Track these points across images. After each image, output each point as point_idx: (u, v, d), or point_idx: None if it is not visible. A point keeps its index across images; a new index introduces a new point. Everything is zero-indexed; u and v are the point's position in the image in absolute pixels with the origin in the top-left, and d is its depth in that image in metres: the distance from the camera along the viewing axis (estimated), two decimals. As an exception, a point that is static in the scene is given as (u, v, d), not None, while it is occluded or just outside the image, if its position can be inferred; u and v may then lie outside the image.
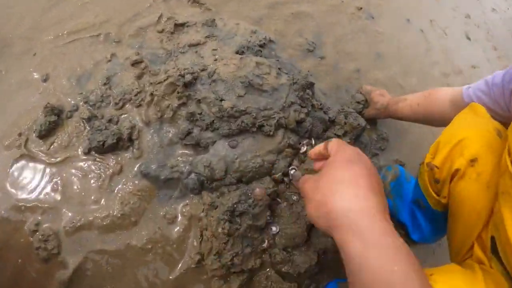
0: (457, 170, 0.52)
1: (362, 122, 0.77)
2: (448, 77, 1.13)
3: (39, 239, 0.68)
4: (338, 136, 0.76)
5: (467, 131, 0.53)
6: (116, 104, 0.72)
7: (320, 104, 0.77)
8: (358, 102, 0.83)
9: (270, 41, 0.84)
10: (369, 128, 0.83)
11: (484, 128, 0.53)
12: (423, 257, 0.86)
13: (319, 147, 0.49)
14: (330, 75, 0.88)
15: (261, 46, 0.80)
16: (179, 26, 0.81)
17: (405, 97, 0.78)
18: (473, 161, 0.51)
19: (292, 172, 0.69)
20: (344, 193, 0.37)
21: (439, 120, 0.72)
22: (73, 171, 0.71)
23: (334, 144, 0.46)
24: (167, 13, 0.84)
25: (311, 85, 0.74)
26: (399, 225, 0.82)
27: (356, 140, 0.78)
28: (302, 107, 0.72)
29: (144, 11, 0.85)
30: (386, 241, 0.33)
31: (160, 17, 0.83)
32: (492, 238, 0.48)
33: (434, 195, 0.60)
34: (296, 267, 0.67)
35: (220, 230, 0.62)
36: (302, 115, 0.71)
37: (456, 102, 0.68)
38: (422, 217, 0.74)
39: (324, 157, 0.48)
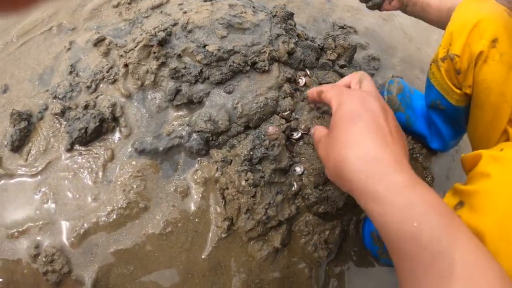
0: (480, 53, 0.47)
1: (352, 41, 0.68)
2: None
3: (44, 262, 0.54)
4: (333, 62, 0.67)
5: (480, 14, 0.49)
6: (88, 88, 0.60)
7: (305, 34, 0.67)
8: (341, 27, 0.74)
9: (236, -12, 0.73)
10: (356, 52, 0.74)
11: (497, 10, 0.48)
12: (445, 166, 0.78)
13: (313, 93, 0.46)
14: (303, 9, 0.79)
15: (228, -9, 0.69)
16: (135, -4, 0.70)
17: None
18: (494, 42, 0.46)
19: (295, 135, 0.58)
20: (352, 159, 0.34)
21: None
22: (60, 174, 0.58)
23: (331, 96, 0.41)
24: (119, -13, 0.72)
25: (291, 16, 0.65)
26: (416, 137, 0.73)
27: (350, 62, 0.69)
28: (289, 38, 0.62)
29: (94, -8, 0.73)
30: (401, 199, 0.30)
31: (112, -7, 0.72)
32: None
33: (456, 90, 0.54)
34: (333, 203, 0.56)
35: (243, 182, 0.51)
36: (292, 45, 0.61)
37: None
38: (440, 120, 0.66)
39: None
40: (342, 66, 0.67)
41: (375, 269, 0.64)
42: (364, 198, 0.33)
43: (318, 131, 0.43)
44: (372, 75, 0.74)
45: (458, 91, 0.54)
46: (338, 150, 0.36)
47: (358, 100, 0.38)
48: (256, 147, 0.52)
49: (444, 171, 0.75)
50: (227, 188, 0.53)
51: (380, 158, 0.33)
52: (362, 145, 0.34)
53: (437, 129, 0.68)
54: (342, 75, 0.67)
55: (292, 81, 0.61)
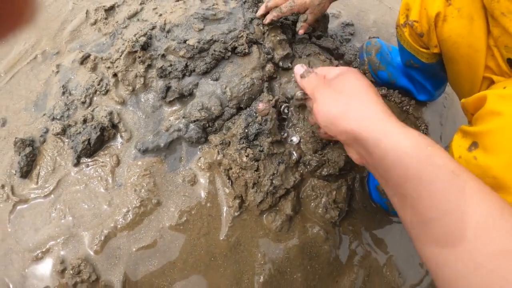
0: (437, 14, 0.49)
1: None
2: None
3: (72, 274, 0.59)
4: (309, 35, 0.72)
5: None
6: (83, 103, 0.65)
7: (278, 14, 0.72)
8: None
9: (203, -15, 0.79)
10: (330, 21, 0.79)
11: None
12: (437, 113, 0.83)
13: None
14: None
15: (196, -12, 0.75)
16: (110, 10, 0.75)
17: None
18: (448, 0, 0.48)
19: (285, 110, 0.62)
20: (367, 100, 0.36)
21: None
22: (72, 188, 0.63)
23: (305, 86, 0.44)
24: (92, 6, 0.77)
25: (260, -1, 0.70)
26: (403, 91, 0.78)
27: (325, 31, 0.74)
28: (262, 20, 0.67)
29: (69, 15, 0.78)
30: (406, 143, 0.31)
31: (87, 12, 0.77)
32: (509, 60, 0.45)
33: (424, 50, 0.57)
34: (334, 164, 0.61)
35: (245, 158, 0.55)
36: (266, 27, 0.66)
37: None
38: (420, 76, 0.71)
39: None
40: (318, 37, 0.72)
41: (387, 222, 0.68)
42: (369, 142, 0.34)
43: (313, 75, 0.45)
44: (348, 40, 0.79)
45: (426, 50, 0.57)
46: (350, 96, 0.38)
47: (357, 69, 0.42)
48: (250, 124, 0.57)
49: (437, 119, 0.79)
50: (231, 168, 0.57)
51: (379, 106, 0.36)
52: (371, 98, 0.37)
53: (419, 83, 0.73)
54: (320, 46, 0.72)
55: (274, 62, 0.66)
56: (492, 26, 0.45)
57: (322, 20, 0.72)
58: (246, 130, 0.57)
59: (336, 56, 0.74)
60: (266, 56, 0.64)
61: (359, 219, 0.65)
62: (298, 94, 0.47)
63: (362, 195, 0.67)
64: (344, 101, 0.37)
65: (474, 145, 0.39)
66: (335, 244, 0.63)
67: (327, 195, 0.62)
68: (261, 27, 0.66)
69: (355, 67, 0.78)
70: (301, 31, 0.63)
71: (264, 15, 0.64)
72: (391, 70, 0.76)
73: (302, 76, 0.46)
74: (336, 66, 0.70)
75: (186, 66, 0.60)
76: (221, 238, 0.59)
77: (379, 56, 0.76)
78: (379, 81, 0.80)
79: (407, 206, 0.30)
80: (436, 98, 0.80)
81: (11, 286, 0.62)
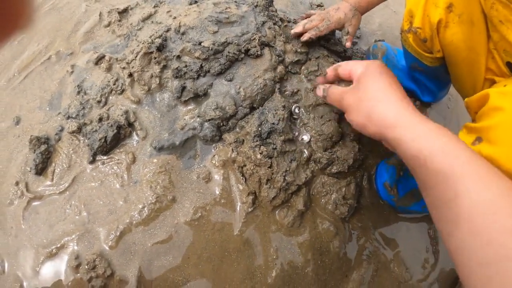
0: (439, 21, 0.53)
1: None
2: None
3: (86, 270, 0.61)
4: (318, 38, 0.76)
5: None
6: (99, 102, 0.68)
7: (287, 17, 0.77)
8: (318, 5, 0.84)
9: (214, -11, 0.83)
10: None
11: None
12: (441, 114, 0.87)
13: (329, 72, 0.53)
14: (280, -4, 0.88)
15: (208, -8, 0.79)
16: (123, 13, 0.78)
17: None
18: (449, 7, 0.52)
19: (296, 110, 0.66)
20: (386, 101, 0.41)
21: None
22: (88, 185, 0.65)
23: (351, 65, 0.49)
24: (105, 8, 0.81)
25: (271, 3, 0.74)
26: (408, 93, 0.82)
27: (333, 35, 0.78)
28: (273, 24, 0.71)
29: (82, 17, 0.81)
30: (433, 132, 0.36)
31: (100, 14, 0.80)
32: (509, 64, 0.49)
33: (427, 54, 0.61)
34: (343, 162, 0.64)
35: (259, 156, 0.58)
36: (277, 29, 0.70)
37: None
38: (424, 78, 0.75)
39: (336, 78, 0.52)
40: (327, 40, 0.76)
41: (395, 219, 0.71)
42: (401, 133, 0.38)
43: (333, 91, 0.50)
44: (355, 43, 0.84)
45: (429, 55, 0.61)
46: (370, 101, 0.43)
47: (379, 64, 0.47)
48: (263, 123, 0.61)
49: (440, 119, 0.84)
50: (245, 165, 0.60)
51: (406, 99, 0.42)
52: (391, 89, 0.43)
53: (424, 85, 0.77)
54: (328, 49, 0.76)
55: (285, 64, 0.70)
56: (492, 31, 0.49)
57: (330, 24, 0.76)
58: (260, 129, 0.60)
59: (343, 59, 0.78)
60: (277, 58, 0.68)
61: (367, 216, 0.69)
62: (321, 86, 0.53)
63: (370, 192, 0.70)
64: (368, 108, 0.43)
65: (478, 139, 0.42)
66: (345, 239, 0.66)
67: (337, 191, 0.65)
68: (273, 31, 0.69)
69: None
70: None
71: (299, 35, 0.69)
72: (396, 72, 0.80)
73: (324, 97, 0.52)
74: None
75: (201, 67, 0.64)
76: (235, 234, 0.62)
77: (385, 59, 0.80)
78: None
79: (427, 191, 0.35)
80: (440, 99, 0.84)
81: (24, 281, 0.64)
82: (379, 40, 0.81)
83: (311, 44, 0.74)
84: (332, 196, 0.65)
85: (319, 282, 0.63)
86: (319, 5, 0.82)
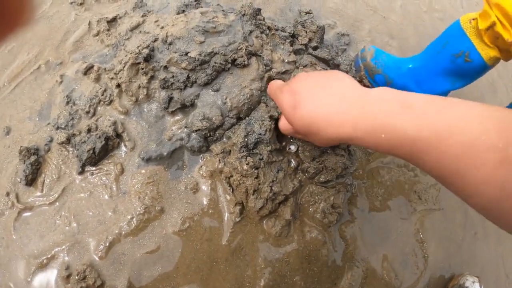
0: None
1: (320, 23, 0.78)
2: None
3: (77, 280, 0.63)
4: (305, 46, 0.77)
5: None
6: (88, 113, 0.69)
7: (275, 26, 0.78)
8: (307, 13, 0.85)
9: (203, -4, 0.84)
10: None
11: None
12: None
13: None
14: (268, 4, 0.89)
15: (196, 1, 0.80)
16: (112, 22, 0.80)
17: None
18: None
19: (292, 147, 0.68)
20: (321, 127, 0.42)
21: None
22: (77, 196, 0.67)
23: (269, 93, 0.54)
24: (95, 17, 0.82)
25: (258, 11, 0.75)
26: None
27: (321, 43, 0.79)
28: (261, 32, 0.73)
29: (72, 26, 0.83)
30: (369, 115, 0.37)
31: (90, 24, 0.82)
32: None
33: (490, 47, 0.62)
34: (331, 171, 0.66)
35: (245, 166, 0.60)
36: (264, 37, 0.71)
37: None
38: (451, 73, 0.72)
39: None
40: (314, 48, 0.78)
41: (383, 226, 0.73)
42: (353, 133, 0.39)
43: (282, 127, 0.53)
44: (344, 50, 0.85)
45: (492, 49, 0.61)
46: (314, 133, 0.43)
47: (288, 91, 0.48)
48: (249, 133, 0.62)
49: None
50: (232, 176, 0.62)
51: (336, 108, 0.41)
52: (321, 114, 0.42)
53: (436, 82, 0.74)
54: (316, 57, 0.78)
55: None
56: None
57: (318, 31, 0.78)
58: (246, 139, 0.62)
59: (332, 67, 0.79)
60: (265, 67, 0.69)
61: (356, 223, 0.70)
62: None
63: (358, 200, 0.71)
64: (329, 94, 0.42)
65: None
66: (333, 247, 0.67)
67: (325, 200, 0.66)
68: (260, 40, 0.71)
69: (352, 76, 0.84)
70: None
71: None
72: (386, 71, 0.79)
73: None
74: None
75: (188, 77, 0.65)
76: (223, 243, 0.64)
77: (374, 60, 0.79)
78: (376, 86, 0.83)
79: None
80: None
81: (16, 292, 0.66)
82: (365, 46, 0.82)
83: (298, 52, 0.75)
84: (321, 205, 0.66)
85: (308, 291, 0.65)
86: (308, 12, 0.83)
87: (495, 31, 0.59)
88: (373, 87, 0.82)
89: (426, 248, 0.73)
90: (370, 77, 0.83)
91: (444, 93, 0.77)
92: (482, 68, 0.66)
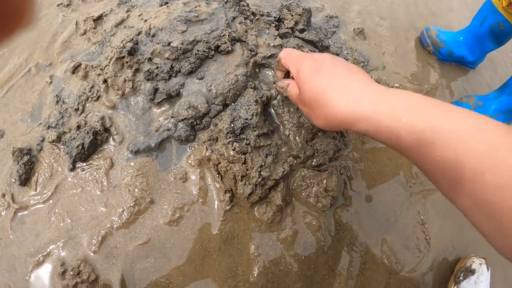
0: None
1: (305, 5, 0.79)
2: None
3: (72, 275, 0.64)
4: (292, 29, 0.78)
5: None
6: (77, 110, 0.71)
7: (260, 11, 0.78)
8: (294, -3, 0.85)
9: (187, -11, 0.86)
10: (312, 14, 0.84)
11: None
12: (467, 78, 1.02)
13: (277, 66, 0.56)
14: (256, -9, 0.90)
15: (180, -8, 0.82)
16: (98, 20, 0.82)
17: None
18: None
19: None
20: (335, 97, 0.40)
21: None
22: (70, 192, 0.69)
23: (288, 63, 0.51)
24: (81, 17, 0.85)
25: (242, -3, 0.76)
26: (456, 62, 1.04)
27: (308, 25, 0.79)
28: (244, 18, 0.73)
29: (60, 27, 0.85)
30: (392, 100, 0.36)
31: (77, 23, 0.84)
32: None
33: None
34: (323, 154, 0.66)
35: (232, 152, 0.60)
36: (249, 23, 0.72)
37: None
38: (491, 38, 0.94)
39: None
40: (301, 31, 0.78)
41: (381, 208, 0.72)
42: (365, 123, 0.38)
43: (291, 92, 0.51)
44: (333, 32, 0.84)
45: None
46: (322, 104, 0.41)
47: (311, 57, 0.47)
48: (235, 119, 0.62)
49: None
50: (219, 163, 0.62)
51: (357, 82, 0.40)
52: (337, 80, 0.41)
53: (483, 46, 0.97)
54: (303, 39, 0.78)
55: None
56: None
57: (304, 14, 0.78)
58: (232, 125, 0.62)
59: (320, 49, 0.79)
60: (250, 52, 0.70)
61: (353, 207, 0.69)
62: (279, 83, 0.53)
63: (354, 182, 0.71)
64: (323, 106, 0.41)
65: None
66: (329, 232, 0.67)
67: (318, 184, 0.66)
68: (244, 26, 0.71)
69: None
70: None
71: None
72: (449, 45, 1.00)
73: (281, 86, 0.54)
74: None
75: (172, 67, 0.66)
76: (215, 233, 0.64)
77: (438, 37, 1.00)
78: (441, 57, 1.03)
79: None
80: (479, 63, 1.06)
81: (15, 291, 0.68)
82: (358, 28, 0.81)
83: (285, 36, 0.75)
84: (313, 188, 0.66)
85: (304, 278, 0.65)
86: (294, -4, 0.83)
87: None
88: (437, 59, 1.03)
89: (428, 230, 0.72)
90: (436, 51, 1.02)
91: (490, 51, 1.00)
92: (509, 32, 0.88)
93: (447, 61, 1.03)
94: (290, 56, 0.51)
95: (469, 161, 0.30)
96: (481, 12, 0.93)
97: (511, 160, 0.28)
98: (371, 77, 0.47)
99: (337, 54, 0.82)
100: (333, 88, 0.41)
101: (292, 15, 0.78)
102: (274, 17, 0.77)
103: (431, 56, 1.01)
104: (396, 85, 0.83)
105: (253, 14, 0.75)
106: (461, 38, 1.00)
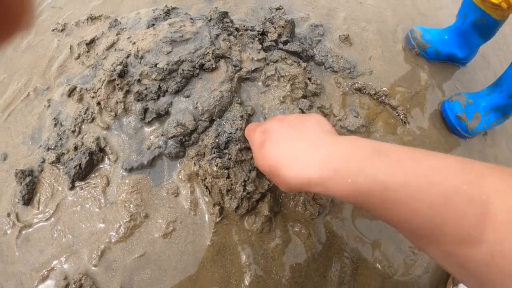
0: None
1: (288, 17, 0.83)
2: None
3: (74, 289, 0.70)
4: (276, 41, 0.82)
5: None
6: (74, 132, 0.78)
7: (244, 26, 0.83)
8: (277, 9, 0.90)
9: (173, 8, 0.92)
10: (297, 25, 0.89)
11: None
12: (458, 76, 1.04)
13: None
14: (240, 5, 0.96)
15: (166, 13, 0.88)
16: (91, 43, 0.89)
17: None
18: None
19: None
20: (284, 166, 0.40)
21: None
22: (70, 210, 0.75)
23: (245, 133, 0.55)
24: (75, 41, 0.92)
25: (225, 14, 0.81)
26: (445, 60, 1.06)
27: (293, 37, 0.84)
28: (228, 35, 0.79)
29: (55, 52, 0.93)
30: (336, 159, 0.37)
31: (71, 48, 0.91)
32: None
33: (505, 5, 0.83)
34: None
35: (215, 168, 0.65)
36: (232, 39, 0.77)
37: None
38: (476, 33, 0.96)
39: None
40: (285, 42, 0.82)
41: (370, 216, 0.75)
42: (324, 183, 0.36)
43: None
44: (319, 41, 0.89)
45: (498, 11, 0.84)
46: (275, 174, 0.42)
47: (260, 129, 0.49)
48: (220, 134, 0.68)
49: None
50: (205, 178, 0.68)
51: (312, 141, 0.41)
52: (286, 153, 0.41)
53: (469, 41, 0.98)
54: (287, 51, 0.82)
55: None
56: None
57: (287, 25, 0.83)
58: (217, 140, 0.67)
59: (305, 59, 0.84)
60: (234, 68, 0.75)
61: (342, 213, 0.73)
62: None
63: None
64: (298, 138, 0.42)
65: None
66: (319, 240, 0.71)
67: (306, 193, 0.70)
68: (227, 42, 0.77)
69: (327, 68, 0.87)
70: None
71: None
72: (435, 45, 1.02)
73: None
74: (304, 68, 0.80)
75: (159, 87, 0.72)
76: (207, 244, 0.69)
77: (423, 37, 1.02)
78: (429, 57, 1.04)
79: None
80: (470, 59, 1.07)
81: (23, 306, 0.74)
82: (343, 35, 0.85)
83: (269, 49, 0.80)
84: (301, 198, 0.70)
85: (296, 285, 0.69)
86: (278, 8, 0.88)
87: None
88: (426, 59, 1.04)
89: (418, 233, 0.75)
90: (423, 51, 1.04)
91: (479, 46, 1.01)
92: (496, 24, 0.91)
93: (436, 60, 1.05)
94: (246, 131, 0.55)
95: (424, 215, 0.29)
96: (462, 9, 0.96)
97: (470, 210, 0.27)
98: (330, 125, 0.46)
99: (323, 63, 0.86)
100: (280, 156, 0.42)
101: (275, 28, 0.83)
102: (258, 31, 0.82)
103: (420, 57, 1.03)
104: (384, 89, 0.87)
105: (237, 29, 0.81)
106: (446, 37, 1.02)
